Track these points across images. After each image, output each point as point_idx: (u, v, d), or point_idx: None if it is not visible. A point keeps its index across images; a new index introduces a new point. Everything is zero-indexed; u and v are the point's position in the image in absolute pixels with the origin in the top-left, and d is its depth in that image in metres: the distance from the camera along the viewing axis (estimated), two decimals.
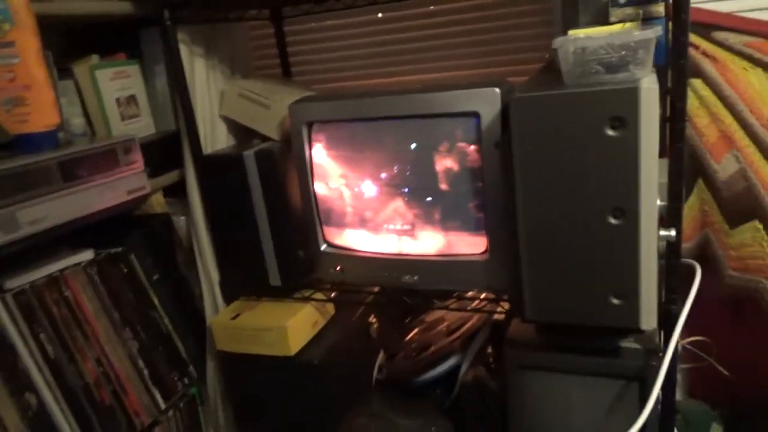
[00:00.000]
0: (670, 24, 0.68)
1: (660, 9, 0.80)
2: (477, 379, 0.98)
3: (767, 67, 0.97)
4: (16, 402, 0.78)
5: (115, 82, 1.06)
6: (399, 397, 1.07)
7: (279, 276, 1.02)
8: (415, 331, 1.16)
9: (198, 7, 1.00)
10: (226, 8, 1.08)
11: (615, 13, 0.81)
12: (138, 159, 0.95)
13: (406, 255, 0.89)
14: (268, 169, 0.97)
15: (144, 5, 1.00)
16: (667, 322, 0.74)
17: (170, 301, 1.05)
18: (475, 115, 0.76)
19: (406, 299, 0.96)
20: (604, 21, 0.82)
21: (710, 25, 1.00)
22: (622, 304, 0.67)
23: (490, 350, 1.06)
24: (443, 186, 0.83)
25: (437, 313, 1.18)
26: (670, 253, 0.72)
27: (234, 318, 1.02)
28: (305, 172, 0.93)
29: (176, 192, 1.12)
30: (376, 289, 1.09)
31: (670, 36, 0.69)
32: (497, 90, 0.74)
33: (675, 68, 0.67)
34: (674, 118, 0.68)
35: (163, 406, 0.99)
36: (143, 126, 1.12)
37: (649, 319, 0.67)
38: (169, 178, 1.09)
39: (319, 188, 0.94)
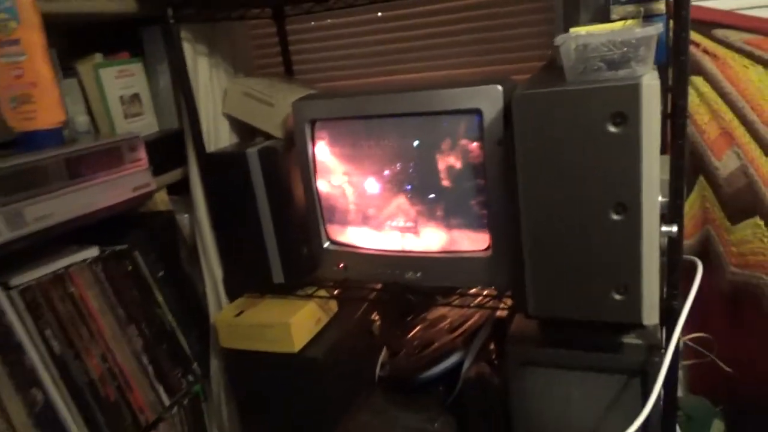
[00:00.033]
0: (671, 21, 0.69)
1: (661, 6, 0.80)
2: (480, 375, 0.98)
3: (767, 64, 0.98)
4: (23, 398, 0.79)
5: (119, 81, 1.07)
6: (402, 393, 1.07)
7: (282, 273, 1.03)
8: (418, 328, 1.17)
9: (201, 6, 1.00)
10: (228, 7, 1.08)
11: (616, 11, 0.81)
12: (143, 156, 0.96)
13: (409, 252, 0.90)
14: (271, 167, 0.97)
15: (147, 4, 1.00)
16: (668, 318, 0.74)
17: (174, 299, 1.06)
18: (478, 112, 0.77)
19: (409, 296, 0.97)
20: (605, 19, 0.83)
21: (710, 23, 1.01)
22: (624, 300, 0.67)
23: (492, 347, 1.06)
24: (446, 183, 0.83)
25: (439, 311, 1.18)
26: (671, 249, 0.72)
27: (237, 315, 1.03)
28: (308, 169, 0.94)
29: (180, 190, 1.12)
30: (379, 286, 1.09)
31: (670, 34, 0.69)
32: (499, 87, 0.75)
33: (676, 65, 0.67)
34: (675, 115, 0.68)
35: (167, 402, 1.00)
36: (146, 124, 1.13)
37: (651, 315, 0.67)
38: (173, 176, 1.10)
39: (322, 186, 0.94)
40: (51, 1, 0.85)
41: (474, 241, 0.84)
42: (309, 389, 1.00)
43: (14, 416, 0.78)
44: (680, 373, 1.10)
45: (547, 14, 1.23)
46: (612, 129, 0.62)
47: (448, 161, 0.82)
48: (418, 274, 0.89)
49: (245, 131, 1.13)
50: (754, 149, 0.99)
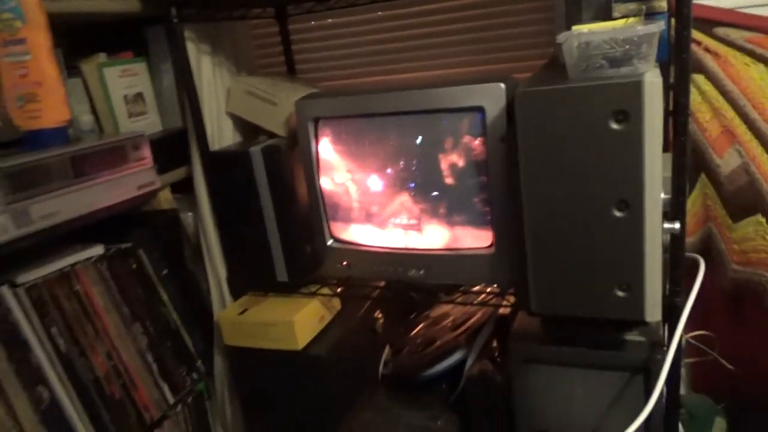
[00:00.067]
0: (673, 20, 0.69)
1: (663, 4, 0.80)
2: (482, 373, 0.98)
3: None
4: (29, 395, 0.79)
5: (123, 80, 1.07)
6: (405, 391, 1.07)
7: (286, 271, 1.03)
8: (421, 326, 1.17)
9: (204, 6, 1.00)
10: (231, 6, 1.09)
11: (618, 9, 0.81)
12: (147, 155, 0.96)
13: (412, 249, 0.90)
14: (275, 166, 0.98)
15: (151, 4, 1.01)
16: (671, 315, 0.74)
17: (178, 297, 1.06)
18: (480, 110, 0.77)
19: (412, 294, 0.97)
20: (607, 16, 0.83)
21: (712, 21, 1.01)
22: (627, 296, 0.67)
23: (495, 344, 1.06)
24: (449, 180, 0.84)
25: (442, 309, 1.18)
26: (674, 246, 0.72)
27: (241, 313, 1.03)
28: (311, 167, 0.94)
29: (183, 188, 1.13)
30: (382, 284, 1.10)
31: (672, 32, 0.70)
32: (502, 85, 0.75)
33: (678, 63, 0.67)
34: (677, 113, 0.69)
35: (171, 400, 1.00)
36: (150, 123, 1.13)
37: (653, 312, 0.67)
38: (177, 174, 1.10)
39: (326, 184, 0.95)
40: (55, 0, 0.86)
41: (477, 239, 0.85)
42: (312, 387, 1.01)
43: (21, 413, 0.78)
44: (683, 371, 1.10)
45: (547, 13, 1.23)
46: (614, 126, 0.62)
47: (450, 159, 0.83)
48: (421, 272, 0.90)
49: (248, 130, 1.14)
50: (755, 147, 0.99)
